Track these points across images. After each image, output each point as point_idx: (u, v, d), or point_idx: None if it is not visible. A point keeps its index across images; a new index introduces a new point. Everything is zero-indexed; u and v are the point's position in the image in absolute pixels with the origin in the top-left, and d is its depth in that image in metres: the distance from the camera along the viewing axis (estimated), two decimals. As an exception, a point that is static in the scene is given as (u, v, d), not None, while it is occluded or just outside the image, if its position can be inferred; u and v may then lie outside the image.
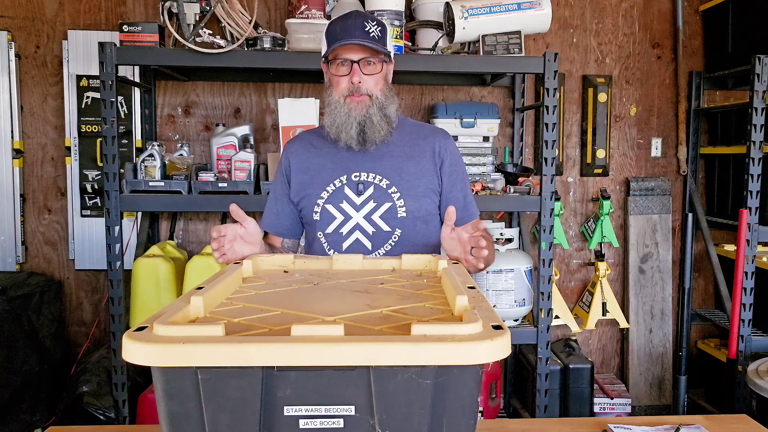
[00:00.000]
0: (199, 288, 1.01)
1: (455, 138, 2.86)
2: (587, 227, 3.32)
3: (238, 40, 2.46)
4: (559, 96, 3.26)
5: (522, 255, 2.84)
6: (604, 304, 3.15)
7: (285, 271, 1.31)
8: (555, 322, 3.00)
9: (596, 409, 3.09)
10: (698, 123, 3.34)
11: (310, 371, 0.75)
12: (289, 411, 0.77)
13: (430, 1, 2.80)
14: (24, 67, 3.02)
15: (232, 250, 1.52)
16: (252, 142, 2.73)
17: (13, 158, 3.00)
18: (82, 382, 2.68)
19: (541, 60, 2.50)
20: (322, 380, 0.76)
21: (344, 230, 1.68)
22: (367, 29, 1.59)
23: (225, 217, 3.14)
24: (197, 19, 2.44)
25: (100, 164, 2.97)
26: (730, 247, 3.06)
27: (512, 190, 2.65)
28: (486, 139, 2.92)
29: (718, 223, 3.20)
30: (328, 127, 1.66)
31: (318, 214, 1.70)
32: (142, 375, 2.77)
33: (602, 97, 3.29)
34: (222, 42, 2.43)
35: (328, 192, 1.70)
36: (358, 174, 1.69)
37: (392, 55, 1.69)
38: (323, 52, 1.65)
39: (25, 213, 3.07)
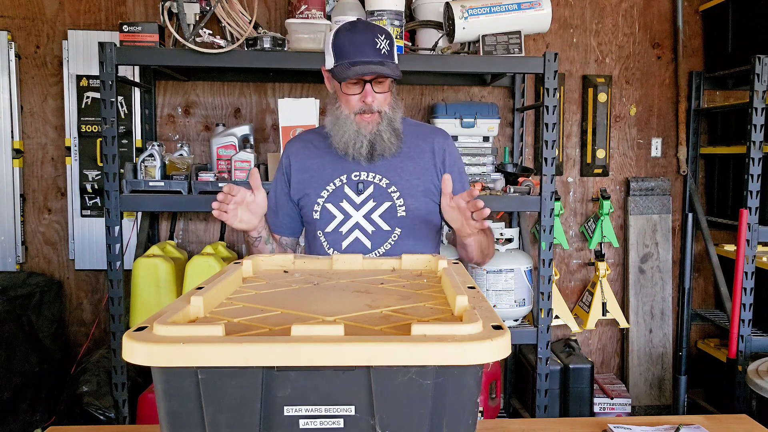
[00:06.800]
0: (199, 288, 1.01)
1: (455, 138, 2.86)
2: (587, 227, 3.32)
3: (238, 40, 2.46)
4: (559, 96, 3.26)
5: (522, 255, 2.84)
6: (604, 304, 3.15)
7: (285, 271, 1.31)
8: (555, 322, 3.00)
9: (596, 409, 3.09)
10: (698, 123, 3.34)
11: (310, 371, 0.75)
12: (289, 411, 0.77)
13: (430, 1, 2.79)
14: (24, 67, 3.02)
15: (234, 213, 1.54)
16: (252, 142, 2.73)
17: (13, 158, 3.00)
18: (82, 382, 2.67)
19: (541, 60, 2.50)
20: (322, 380, 0.76)
21: (344, 229, 1.69)
22: (378, 46, 1.57)
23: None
24: (197, 19, 2.44)
25: (100, 164, 2.97)
26: (730, 247, 3.06)
27: (512, 190, 2.65)
28: (486, 139, 2.92)
29: (718, 223, 3.20)
30: (336, 141, 1.66)
31: (318, 213, 1.70)
32: (142, 375, 2.77)
33: (602, 97, 3.29)
34: (222, 42, 2.43)
35: (328, 191, 1.70)
36: (358, 173, 1.70)
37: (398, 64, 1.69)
38: (329, 64, 1.63)
39: (25, 213, 3.07)
